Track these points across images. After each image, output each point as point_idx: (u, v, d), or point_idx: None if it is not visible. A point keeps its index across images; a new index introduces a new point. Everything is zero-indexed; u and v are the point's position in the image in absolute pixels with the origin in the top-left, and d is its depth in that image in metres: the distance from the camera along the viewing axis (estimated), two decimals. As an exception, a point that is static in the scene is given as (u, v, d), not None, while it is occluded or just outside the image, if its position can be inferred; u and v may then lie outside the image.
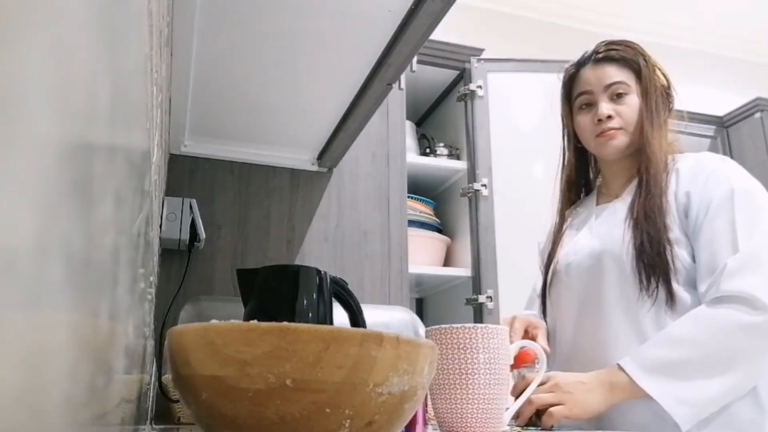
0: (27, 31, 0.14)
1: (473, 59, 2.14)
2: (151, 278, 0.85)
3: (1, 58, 0.12)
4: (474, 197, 2.03)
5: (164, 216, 1.40)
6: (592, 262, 1.10)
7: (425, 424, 0.72)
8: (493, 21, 2.99)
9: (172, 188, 1.53)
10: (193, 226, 1.43)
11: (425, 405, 0.76)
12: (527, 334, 1.10)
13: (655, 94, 1.12)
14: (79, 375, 0.23)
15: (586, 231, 1.16)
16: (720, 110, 2.78)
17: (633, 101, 1.12)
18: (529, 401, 0.94)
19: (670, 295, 1.00)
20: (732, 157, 1.16)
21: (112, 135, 0.30)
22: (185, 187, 1.56)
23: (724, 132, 2.77)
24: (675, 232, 1.02)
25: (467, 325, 0.74)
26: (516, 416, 0.96)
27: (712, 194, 1.02)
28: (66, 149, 0.19)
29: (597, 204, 1.19)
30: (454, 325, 0.75)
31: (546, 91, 2.19)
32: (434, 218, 2.12)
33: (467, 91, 2.12)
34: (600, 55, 1.16)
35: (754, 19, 3.21)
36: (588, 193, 1.27)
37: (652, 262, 1.01)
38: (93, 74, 0.23)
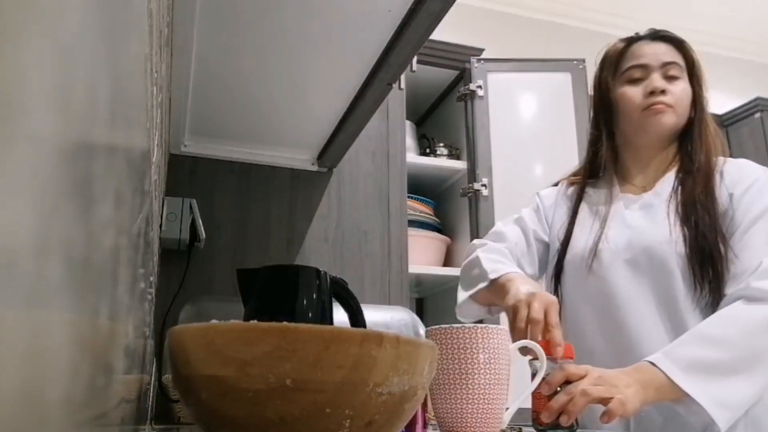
0: (27, 31, 0.14)
1: (473, 59, 2.14)
2: (151, 278, 0.85)
3: (2, 58, 0.12)
4: (474, 197, 2.03)
5: (164, 216, 1.40)
6: (629, 255, 1.04)
7: (425, 424, 0.72)
8: (493, 21, 2.99)
9: (172, 188, 1.53)
10: (193, 226, 1.43)
11: (425, 405, 0.76)
12: (546, 321, 0.91)
13: (700, 88, 1.11)
14: (79, 375, 0.23)
15: (618, 221, 1.09)
16: (720, 110, 2.78)
17: (684, 86, 1.09)
18: (583, 393, 0.84)
19: (719, 298, 0.97)
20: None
21: (112, 135, 0.30)
22: (185, 187, 1.56)
23: (724, 132, 2.77)
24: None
25: (467, 325, 0.74)
26: (534, 416, 0.88)
27: (756, 201, 0.99)
28: (66, 149, 0.19)
29: (622, 192, 1.13)
30: (454, 325, 0.75)
31: (546, 91, 2.20)
32: (434, 218, 2.12)
33: (467, 91, 2.12)
34: (658, 33, 1.13)
35: (753, 19, 3.21)
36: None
37: (706, 263, 0.97)
38: (93, 74, 0.23)
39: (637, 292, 1.02)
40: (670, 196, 1.06)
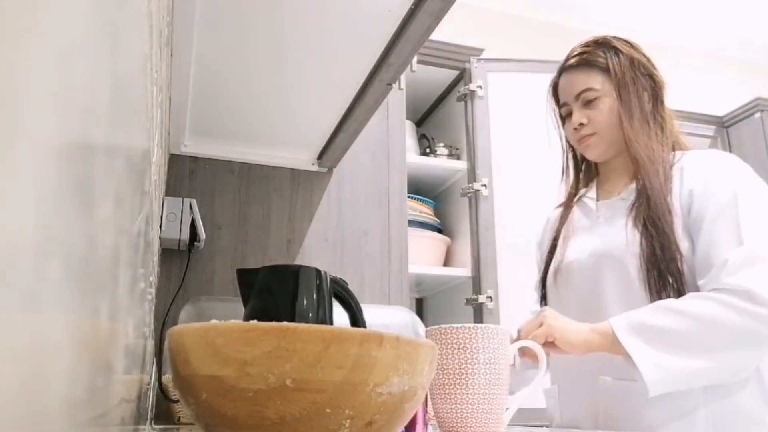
0: (27, 31, 0.14)
1: (473, 59, 2.14)
2: (151, 278, 0.85)
3: (2, 58, 0.12)
4: (474, 197, 2.03)
5: (164, 216, 1.40)
6: (592, 262, 1.08)
7: (425, 424, 0.72)
8: (493, 21, 2.99)
9: (172, 188, 1.53)
10: (193, 226, 1.43)
11: (425, 405, 0.76)
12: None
13: (634, 88, 1.11)
14: (79, 375, 0.23)
15: (588, 229, 1.14)
16: (720, 110, 2.78)
17: (603, 104, 1.11)
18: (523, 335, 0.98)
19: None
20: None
21: (112, 135, 0.30)
22: (185, 187, 1.56)
23: (724, 132, 2.77)
24: (682, 238, 1.01)
25: (467, 325, 0.74)
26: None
27: (716, 193, 1.00)
28: (66, 149, 0.19)
29: (598, 199, 1.17)
30: (454, 325, 0.75)
31: (546, 91, 2.19)
32: (434, 218, 2.12)
33: (467, 91, 2.12)
34: (569, 63, 1.17)
35: (753, 19, 3.21)
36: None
37: (664, 273, 0.99)
38: (93, 74, 0.23)
39: (601, 299, 1.06)
40: (630, 204, 1.08)
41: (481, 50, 2.17)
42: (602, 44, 1.14)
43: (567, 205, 1.23)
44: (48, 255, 0.17)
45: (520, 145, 2.10)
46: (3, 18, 0.12)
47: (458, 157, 2.16)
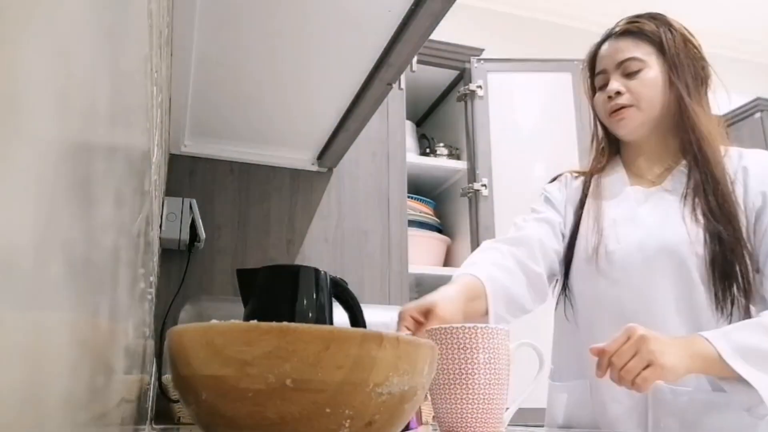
0: (27, 31, 0.14)
1: (473, 59, 2.14)
2: (151, 278, 0.85)
3: (1, 58, 0.12)
4: (474, 197, 2.03)
5: (164, 216, 1.40)
6: (644, 256, 0.99)
7: (418, 419, 0.72)
8: (493, 21, 2.99)
9: (172, 188, 1.53)
10: (193, 226, 1.43)
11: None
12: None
13: (690, 69, 1.04)
14: (79, 375, 0.23)
15: (629, 219, 1.03)
16: (720, 110, 2.78)
17: (648, 76, 1.03)
18: (611, 365, 0.83)
19: (744, 313, 0.92)
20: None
21: (112, 135, 0.30)
22: (185, 187, 1.56)
23: (724, 132, 2.77)
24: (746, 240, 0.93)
25: (467, 325, 0.74)
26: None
27: None
28: (66, 149, 0.19)
29: (631, 185, 1.07)
30: (454, 325, 0.75)
31: (546, 91, 2.20)
32: (434, 218, 2.12)
33: (467, 91, 2.12)
34: (615, 30, 1.09)
35: (753, 19, 3.21)
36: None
37: (729, 273, 0.92)
38: (93, 74, 0.23)
39: (655, 296, 0.97)
40: (685, 194, 1.00)
41: (481, 50, 2.17)
42: (656, 18, 1.08)
43: (586, 181, 1.13)
44: (48, 255, 0.17)
45: (520, 145, 2.10)
46: (3, 18, 0.12)
47: (458, 157, 2.16)
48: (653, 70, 1.04)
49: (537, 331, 1.05)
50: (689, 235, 0.95)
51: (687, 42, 1.07)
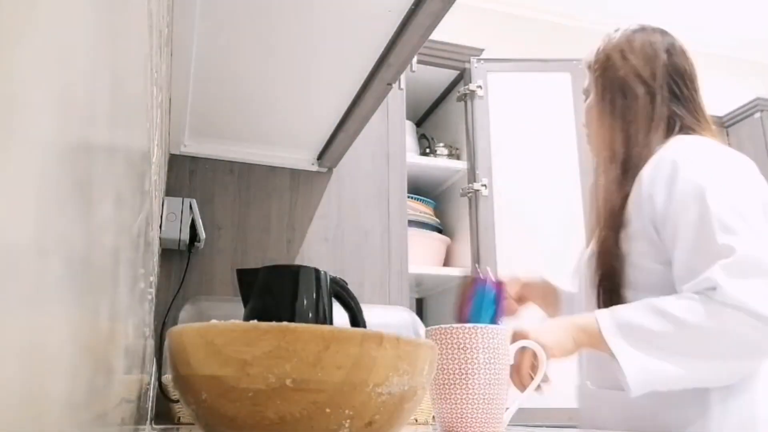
0: (27, 31, 0.14)
1: (473, 59, 2.14)
2: (151, 278, 0.85)
3: (2, 58, 0.12)
4: (474, 197, 2.03)
5: (164, 216, 1.40)
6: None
7: None
8: (493, 21, 2.99)
9: (172, 188, 1.53)
10: (193, 226, 1.43)
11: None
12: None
13: (611, 87, 1.13)
14: (79, 375, 0.23)
15: None
16: (720, 110, 2.78)
17: (592, 103, 1.16)
18: (516, 369, 0.90)
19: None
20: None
21: (112, 135, 0.30)
22: (185, 187, 1.56)
23: (724, 132, 2.77)
24: (638, 244, 0.98)
25: (467, 325, 0.74)
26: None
27: (681, 213, 0.93)
28: (66, 149, 0.19)
29: None
30: (454, 325, 0.75)
31: (546, 91, 2.20)
32: (434, 218, 2.12)
33: (467, 91, 2.11)
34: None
35: (753, 19, 3.21)
36: None
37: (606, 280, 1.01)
38: (93, 74, 0.23)
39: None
40: None
41: (481, 50, 2.17)
42: (588, 60, 1.22)
43: None
44: (48, 255, 0.17)
45: (520, 145, 2.10)
46: (3, 18, 0.12)
47: (458, 157, 2.16)
48: (595, 96, 1.18)
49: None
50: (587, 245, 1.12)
51: (624, 55, 1.22)
